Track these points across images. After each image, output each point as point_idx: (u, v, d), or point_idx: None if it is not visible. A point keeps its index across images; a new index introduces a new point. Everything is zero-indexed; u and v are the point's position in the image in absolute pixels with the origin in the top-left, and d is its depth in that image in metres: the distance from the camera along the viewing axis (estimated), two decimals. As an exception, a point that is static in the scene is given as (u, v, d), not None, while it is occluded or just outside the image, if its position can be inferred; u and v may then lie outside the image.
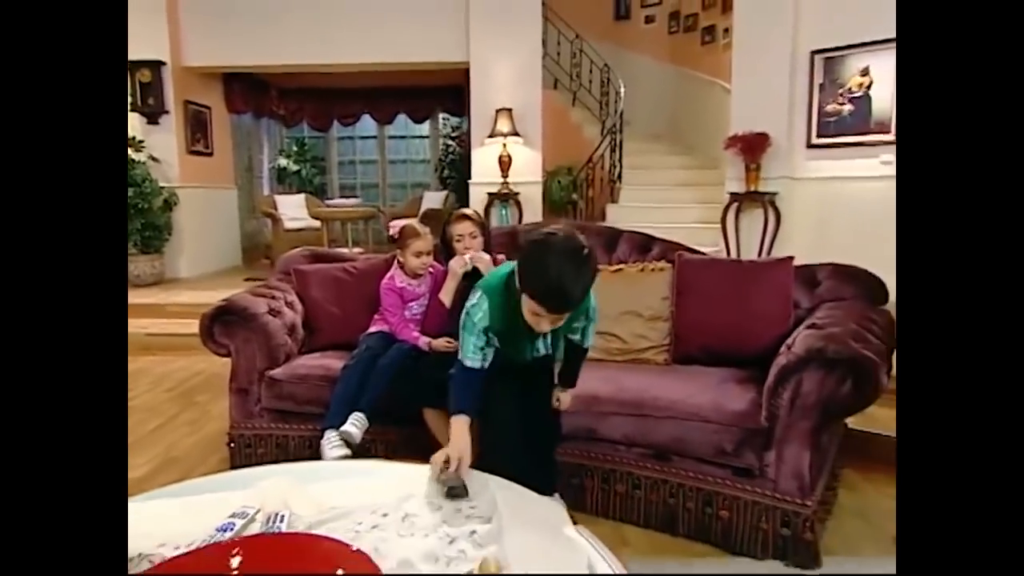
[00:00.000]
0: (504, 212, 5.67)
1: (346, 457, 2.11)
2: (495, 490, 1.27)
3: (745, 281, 2.42)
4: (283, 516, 1.17)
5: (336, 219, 6.42)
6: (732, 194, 4.82)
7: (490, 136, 5.54)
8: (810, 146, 4.66)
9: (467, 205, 6.42)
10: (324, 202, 7.41)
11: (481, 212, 5.47)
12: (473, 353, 1.57)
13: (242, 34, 5.96)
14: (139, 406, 3.30)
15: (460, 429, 1.48)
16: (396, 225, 2.72)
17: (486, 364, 1.58)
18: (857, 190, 4.49)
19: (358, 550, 0.89)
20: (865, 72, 4.39)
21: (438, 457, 1.35)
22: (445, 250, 2.48)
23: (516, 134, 5.48)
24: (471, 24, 5.63)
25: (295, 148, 8.69)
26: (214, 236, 6.67)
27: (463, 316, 1.58)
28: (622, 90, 6.31)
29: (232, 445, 2.44)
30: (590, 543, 1.11)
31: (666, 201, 5.87)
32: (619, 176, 6.07)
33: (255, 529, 1.14)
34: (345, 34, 5.90)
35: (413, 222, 2.68)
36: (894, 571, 1.74)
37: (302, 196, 7.28)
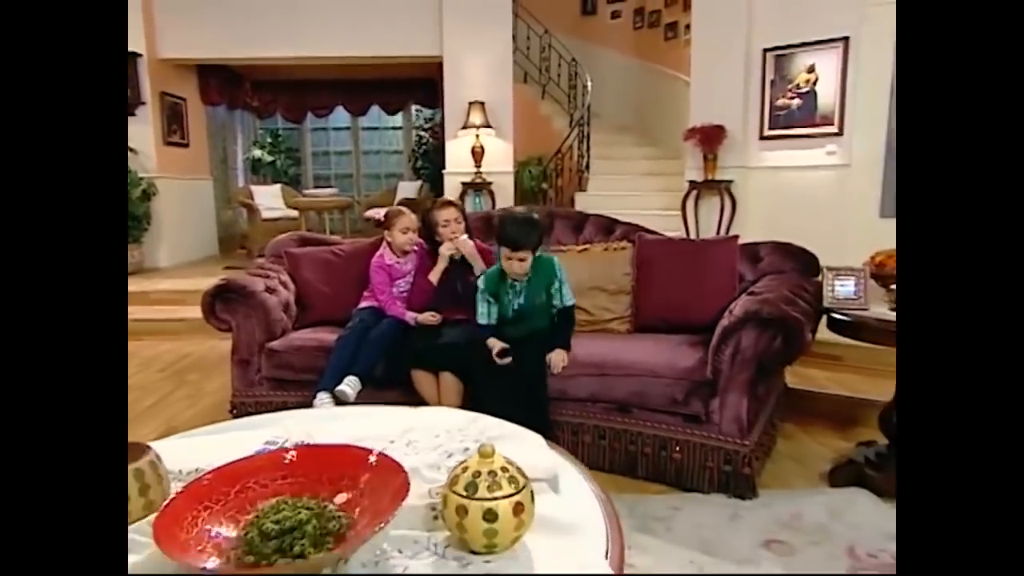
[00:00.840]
0: (478, 200, 5.90)
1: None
2: (483, 421, 1.53)
3: (697, 257, 2.73)
4: (308, 444, 1.41)
5: (313, 209, 6.57)
6: (691, 182, 5.15)
7: (463, 128, 5.76)
8: (762, 138, 5.00)
9: (442, 194, 6.64)
10: (301, 192, 7.53)
11: (458, 200, 5.75)
12: (483, 314, 2.42)
13: (216, 27, 6.05)
14: (134, 385, 3.47)
15: (493, 339, 2.36)
16: (379, 212, 2.97)
17: (492, 322, 2.42)
18: (804, 178, 4.86)
19: (382, 452, 1.14)
20: (811, 69, 4.74)
21: (495, 347, 2.31)
22: (428, 234, 2.72)
23: (488, 126, 5.71)
24: (444, 19, 5.83)
25: (269, 139, 8.77)
26: (191, 226, 6.76)
27: (476, 291, 2.43)
28: (589, 84, 6.58)
29: (234, 412, 2.64)
30: (564, 458, 1.38)
31: (632, 189, 6.17)
32: (587, 166, 6.36)
33: (285, 453, 1.38)
34: (318, 28, 6.03)
35: (396, 205, 2.93)
36: (819, 501, 2.07)
37: (278, 186, 7.40)
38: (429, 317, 2.60)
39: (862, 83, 4.53)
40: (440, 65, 6.14)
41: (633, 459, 2.30)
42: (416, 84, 8.16)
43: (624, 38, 7.86)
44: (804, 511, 2.05)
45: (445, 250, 2.62)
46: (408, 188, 7.56)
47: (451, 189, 5.98)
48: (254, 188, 7.25)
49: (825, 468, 2.40)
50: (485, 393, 2.24)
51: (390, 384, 2.49)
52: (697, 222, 5.20)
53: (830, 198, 4.73)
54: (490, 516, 0.94)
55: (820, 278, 2.69)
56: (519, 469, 1.02)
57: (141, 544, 1.03)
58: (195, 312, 4.75)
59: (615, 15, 8.02)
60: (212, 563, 0.94)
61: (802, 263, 2.65)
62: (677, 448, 2.21)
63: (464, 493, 0.96)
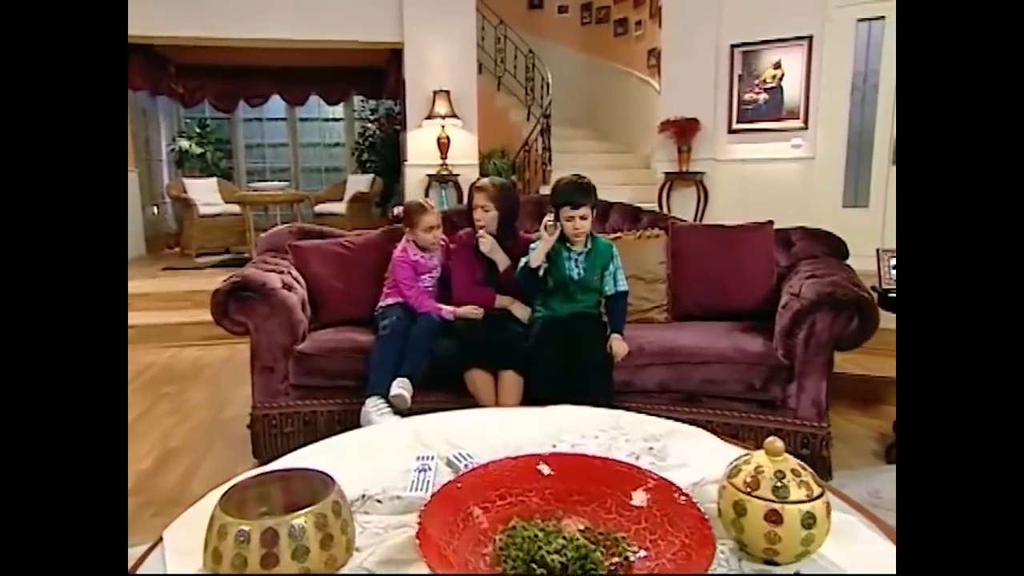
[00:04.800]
0: (444, 194, 5.70)
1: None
2: (628, 417, 1.42)
3: (733, 244, 2.71)
4: (466, 454, 1.23)
5: (262, 203, 6.08)
6: (666, 174, 5.21)
7: (428, 118, 5.54)
8: (731, 131, 5.16)
9: (399, 188, 6.36)
10: (248, 185, 6.95)
11: (422, 193, 5.49)
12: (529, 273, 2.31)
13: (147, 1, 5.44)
14: (100, 402, 3.03)
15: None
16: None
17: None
18: (771, 170, 5.05)
19: (624, 462, 0.99)
20: (778, 65, 4.93)
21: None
22: (469, 214, 2.51)
23: (455, 116, 5.52)
24: (404, 5, 5.56)
25: (197, 129, 8.04)
26: (116, 224, 6.06)
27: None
28: (550, 78, 6.53)
29: (253, 427, 2.34)
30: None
31: (594, 183, 6.18)
32: (550, 159, 6.30)
33: (443, 469, 1.19)
34: (260, 8, 5.57)
35: (418, 199, 2.72)
36: (890, 477, 2.11)
37: (214, 180, 6.80)
38: (471, 311, 2.42)
39: (824, 81, 4.76)
40: (392, 53, 5.83)
41: (700, 450, 2.24)
42: (360, 73, 7.77)
43: (573, 33, 7.87)
44: (881, 488, 2.07)
45: (484, 249, 2.42)
46: (359, 182, 7.18)
47: (414, 182, 5.73)
48: (187, 181, 6.61)
49: (870, 446, 2.46)
50: (546, 383, 2.09)
51: (436, 385, 2.29)
52: (670, 212, 5.27)
53: (796, 189, 4.93)
54: (809, 521, 0.83)
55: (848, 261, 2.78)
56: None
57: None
58: (144, 318, 4.33)
59: (562, 10, 8.02)
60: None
61: (832, 247, 2.70)
62: (750, 436, 2.17)
63: (774, 498, 0.84)
